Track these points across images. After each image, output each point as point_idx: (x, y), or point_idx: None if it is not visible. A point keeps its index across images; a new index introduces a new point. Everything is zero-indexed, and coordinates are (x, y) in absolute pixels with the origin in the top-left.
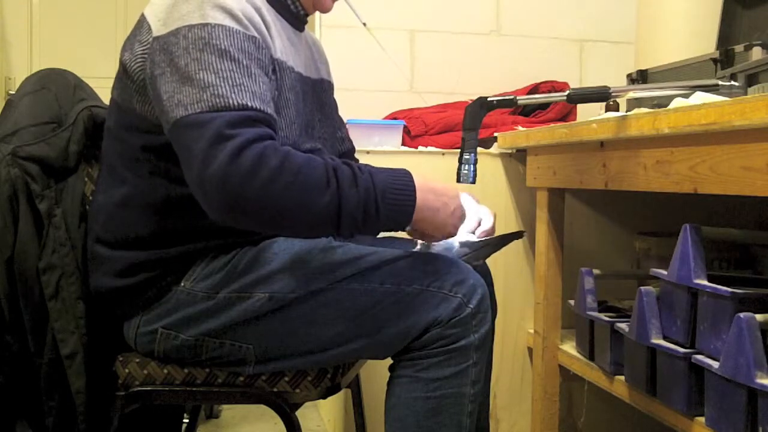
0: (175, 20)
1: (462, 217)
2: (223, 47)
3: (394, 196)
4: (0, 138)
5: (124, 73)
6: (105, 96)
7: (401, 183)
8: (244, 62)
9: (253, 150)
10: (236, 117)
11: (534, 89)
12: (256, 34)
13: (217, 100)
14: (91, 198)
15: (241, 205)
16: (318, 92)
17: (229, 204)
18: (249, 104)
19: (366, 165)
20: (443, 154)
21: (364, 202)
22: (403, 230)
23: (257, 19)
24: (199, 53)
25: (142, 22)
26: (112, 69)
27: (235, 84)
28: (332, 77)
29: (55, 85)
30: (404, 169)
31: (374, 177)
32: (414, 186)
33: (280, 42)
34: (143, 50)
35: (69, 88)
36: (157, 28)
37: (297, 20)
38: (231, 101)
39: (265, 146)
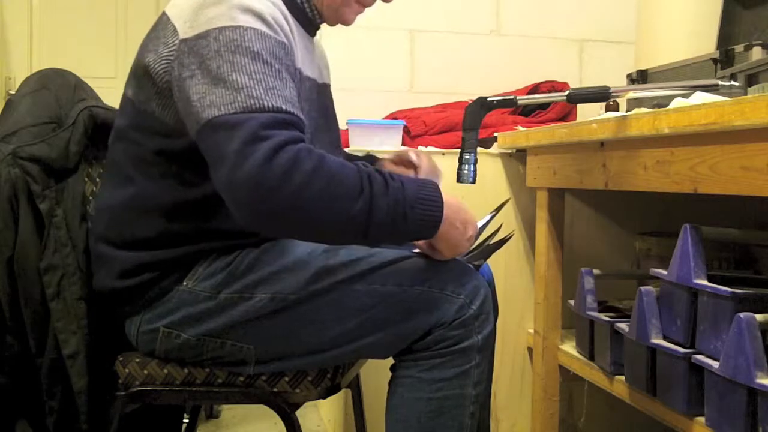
0: (204, 23)
1: (471, 245)
2: (255, 50)
3: (423, 208)
4: (0, 138)
5: (144, 75)
6: (105, 96)
7: (430, 195)
8: (276, 66)
9: (288, 152)
10: (270, 119)
11: (534, 89)
12: (284, 40)
13: (251, 102)
14: (91, 197)
15: (273, 207)
16: (323, 97)
17: (261, 206)
18: (282, 107)
19: (396, 174)
20: (443, 154)
21: (393, 211)
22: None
23: (285, 25)
24: (232, 55)
25: (166, 23)
26: (112, 69)
27: (268, 87)
28: (330, 78)
29: (55, 85)
30: (432, 181)
31: (405, 187)
32: (442, 200)
33: (299, 49)
34: (168, 52)
35: (69, 88)
36: (184, 31)
37: (312, 27)
38: (265, 103)
39: (299, 149)
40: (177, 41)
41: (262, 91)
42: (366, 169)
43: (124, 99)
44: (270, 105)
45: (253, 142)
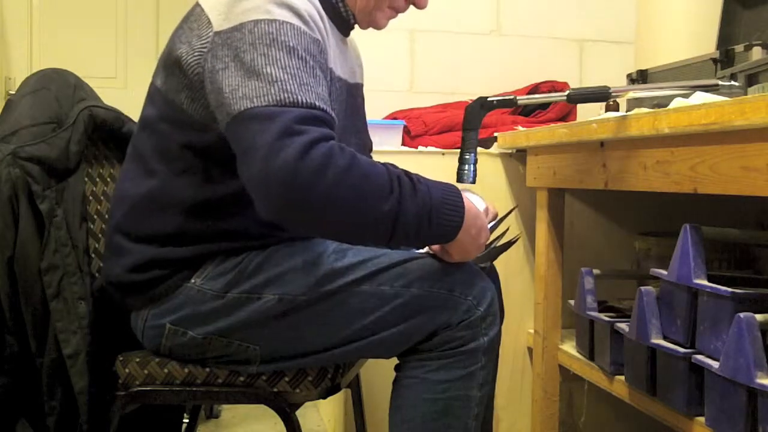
0: (239, 15)
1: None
2: (291, 44)
3: (446, 212)
4: (0, 138)
5: (176, 66)
6: (105, 96)
7: (454, 200)
8: (310, 62)
9: (321, 148)
10: (305, 114)
11: (534, 89)
12: (319, 37)
13: (285, 95)
14: (91, 197)
15: (304, 202)
16: (354, 96)
17: (292, 200)
18: (316, 103)
19: (420, 176)
20: (443, 154)
21: (420, 214)
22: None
23: (320, 23)
24: (267, 48)
25: (199, 15)
26: (112, 69)
27: (302, 82)
28: (363, 78)
29: (55, 85)
30: (454, 186)
31: (431, 191)
32: (464, 205)
33: (332, 50)
34: (202, 45)
35: (69, 88)
36: (219, 23)
37: (346, 26)
38: (299, 98)
39: (332, 146)
40: (211, 33)
41: (296, 86)
42: (395, 170)
43: (153, 89)
44: (303, 100)
45: (287, 136)
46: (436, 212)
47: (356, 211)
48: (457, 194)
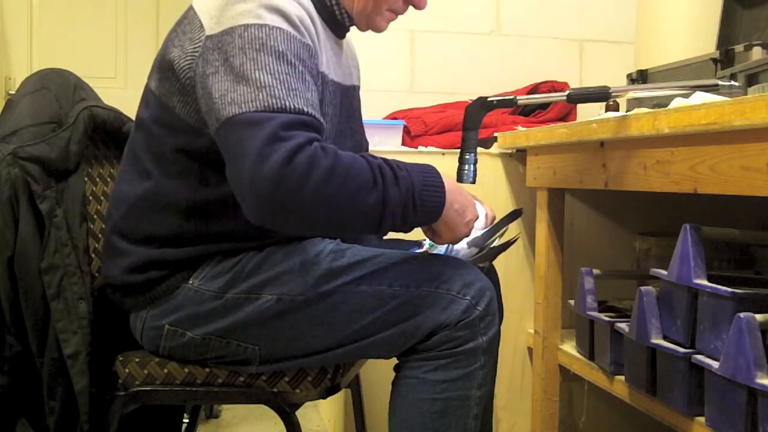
0: (230, 19)
1: (471, 229)
2: (280, 49)
3: (429, 194)
4: (0, 138)
5: (169, 69)
6: (105, 96)
7: (433, 181)
8: (300, 68)
9: (306, 152)
10: (292, 120)
11: (534, 89)
12: (309, 42)
13: (273, 101)
14: (91, 197)
15: (293, 206)
16: (350, 99)
17: (280, 205)
18: (304, 109)
19: (398, 161)
20: (443, 154)
21: (404, 200)
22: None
23: (311, 27)
24: (256, 53)
25: (192, 18)
26: (112, 69)
27: (290, 88)
28: (360, 79)
29: (55, 85)
30: (432, 166)
31: (411, 175)
32: (444, 184)
33: (325, 53)
34: (194, 48)
35: (69, 88)
36: (210, 27)
37: (341, 29)
38: (286, 103)
39: (315, 148)
40: (203, 37)
41: (284, 92)
42: (375, 161)
43: (147, 91)
44: (291, 106)
45: (274, 142)
46: (419, 195)
47: (343, 208)
48: (436, 174)
